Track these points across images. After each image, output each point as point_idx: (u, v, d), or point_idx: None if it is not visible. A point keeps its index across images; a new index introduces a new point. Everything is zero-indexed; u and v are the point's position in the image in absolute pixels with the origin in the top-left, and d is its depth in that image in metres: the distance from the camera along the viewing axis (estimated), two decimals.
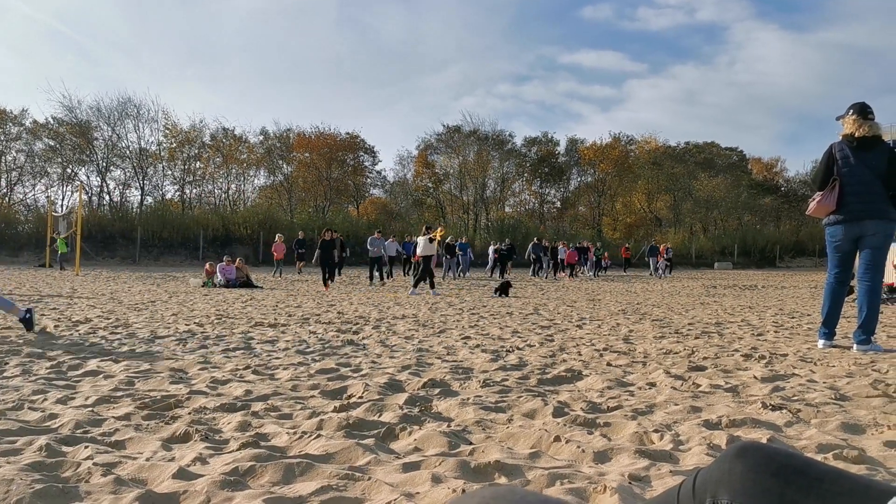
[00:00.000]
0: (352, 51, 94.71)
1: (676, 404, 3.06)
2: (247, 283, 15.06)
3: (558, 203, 55.97)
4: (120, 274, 21.03)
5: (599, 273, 28.12)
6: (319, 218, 40.52)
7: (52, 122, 39.97)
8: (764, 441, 2.37)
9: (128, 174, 41.70)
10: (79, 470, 2.02)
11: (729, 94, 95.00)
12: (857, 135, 5.03)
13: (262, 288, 14.51)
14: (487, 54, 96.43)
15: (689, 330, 6.62)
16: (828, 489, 0.82)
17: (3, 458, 2.12)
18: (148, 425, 2.63)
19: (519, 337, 5.90)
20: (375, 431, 2.54)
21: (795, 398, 3.24)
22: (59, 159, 40.52)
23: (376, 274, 17.63)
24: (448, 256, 22.32)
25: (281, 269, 21.27)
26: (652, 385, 3.61)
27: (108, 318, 7.11)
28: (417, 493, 1.85)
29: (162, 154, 42.24)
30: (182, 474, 1.98)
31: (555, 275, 24.95)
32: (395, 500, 1.78)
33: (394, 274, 21.90)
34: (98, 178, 40.96)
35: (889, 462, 2.17)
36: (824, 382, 3.69)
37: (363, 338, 5.73)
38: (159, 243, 33.74)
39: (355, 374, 3.88)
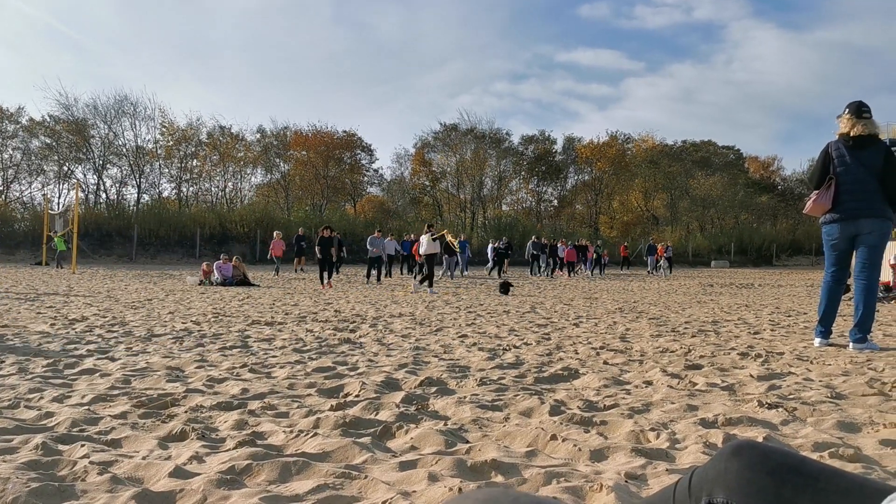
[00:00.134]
0: (349, 49, 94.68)
1: (673, 403, 3.07)
2: (244, 282, 15.05)
3: (555, 201, 56.04)
4: (116, 272, 20.98)
5: (598, 272, 28.01)
6: (316, 216, 40.47)
7: (48, 119, 39.95)
8: (760, 440, 2.38)
9: (124, 172, 41.69)
10: (75, 468, 2.02)
11: (726, 93, 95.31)
12: (852, 133, 5.04)
13: (258, 286, 14.50)
14: (484, 52, 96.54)
15: (686, 328, 6.63)
16: (823, 488, 0.82)
17: None
18: (144, 424, 2.63)
19: (516, 335, 5.90)
20: (372, 430, 2.54)
21: (791, 397, 3.25)
22: (56, 157, 40.43)
23: (373, 272, 17.62)
24: (448, 256, 22.32)
25: (279, 267, 21.20)
26: (648, 383, 3.62)
27: (105, 317, 7.10)
28: (414, 491, 1.84)
29: (158, 152, 42.20)
30: (178, 473, 1.97)
31: (552, 273, 24.93)
32: (391, 498, 1.78)
33: (392, 272, 21.88)
34: (95, 176, 40.97)
35: (885, 461, 2.18)
36: (820, 381, 3.69)
37: (360, 336, 5.73)
38: (156, 241, 33.70)
39: (352, 373, 3.87)
